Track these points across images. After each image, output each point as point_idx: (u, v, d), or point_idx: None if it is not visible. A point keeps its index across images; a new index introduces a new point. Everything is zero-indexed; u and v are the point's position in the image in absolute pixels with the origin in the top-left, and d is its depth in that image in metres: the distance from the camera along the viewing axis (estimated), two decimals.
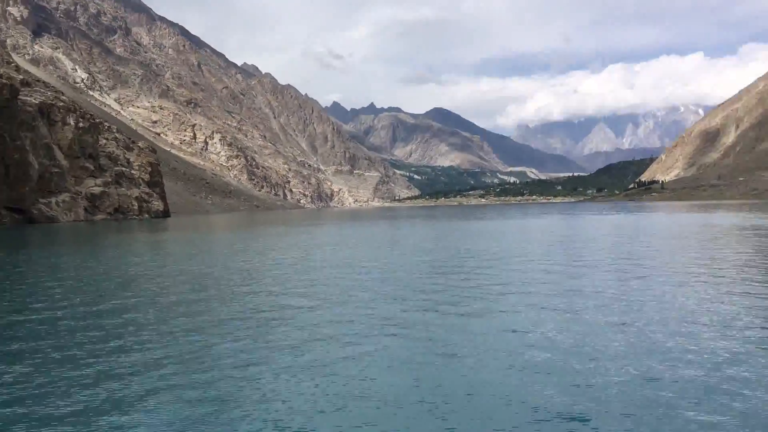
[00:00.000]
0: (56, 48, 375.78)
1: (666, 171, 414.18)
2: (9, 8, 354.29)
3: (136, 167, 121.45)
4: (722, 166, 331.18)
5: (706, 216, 71.48)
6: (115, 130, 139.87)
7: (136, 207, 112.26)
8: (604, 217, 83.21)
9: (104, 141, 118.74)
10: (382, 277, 20.64)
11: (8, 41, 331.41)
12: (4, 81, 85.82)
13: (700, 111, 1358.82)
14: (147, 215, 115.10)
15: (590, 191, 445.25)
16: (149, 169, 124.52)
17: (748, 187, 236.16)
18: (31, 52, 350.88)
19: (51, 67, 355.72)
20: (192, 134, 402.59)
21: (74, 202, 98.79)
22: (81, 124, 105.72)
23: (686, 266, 21.98)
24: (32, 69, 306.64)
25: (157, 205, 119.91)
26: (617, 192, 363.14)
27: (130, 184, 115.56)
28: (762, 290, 16.17)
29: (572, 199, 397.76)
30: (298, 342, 11.45)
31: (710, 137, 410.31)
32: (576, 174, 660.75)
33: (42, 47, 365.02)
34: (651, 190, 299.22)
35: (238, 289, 18.34)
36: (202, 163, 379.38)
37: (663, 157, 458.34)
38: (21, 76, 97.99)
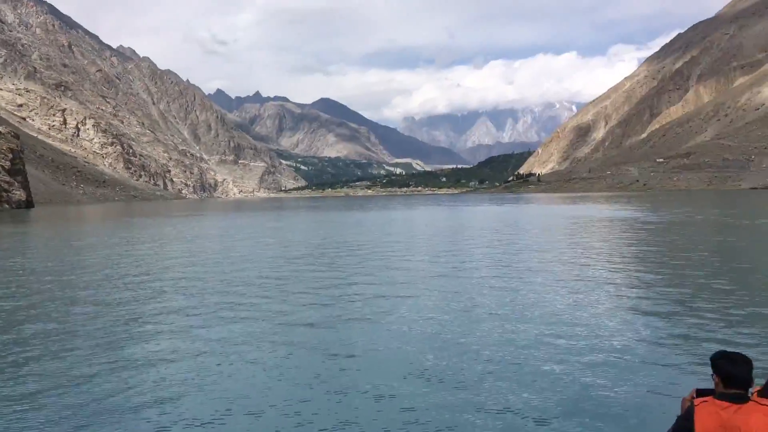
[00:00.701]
0: None
1: (542, 164, 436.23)
2: None
3: None
4: (592, 160, 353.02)
5: (572, 208, 75.46)
6: None
7: None
8: (483, 208, 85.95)
9: None
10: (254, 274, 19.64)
11: None
12: None
13: (574, 107, 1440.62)
14: (7, 205, 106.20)
15: (473, 183, 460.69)
16: (10, 155, 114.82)
17: (614, 180, 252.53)
18: None
19: None
20: (62, 119, 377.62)
21: None
22: None
23: (543, 257, 22.67)
24: None
25: (18, 194, 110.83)
26: (498, 184, 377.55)
27: None
28: (604, 274, 16.84)
29: (456, 191, 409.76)
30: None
31: (582, 133, 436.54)
32: (459, 166, 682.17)
33: None
34: (528, 182, 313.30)
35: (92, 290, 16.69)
36: (73, 150, 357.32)
37: (539, 151, 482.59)
38: None
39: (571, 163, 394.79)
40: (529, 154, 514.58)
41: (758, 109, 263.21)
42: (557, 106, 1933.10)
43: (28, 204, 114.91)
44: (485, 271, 18.06)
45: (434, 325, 11.18)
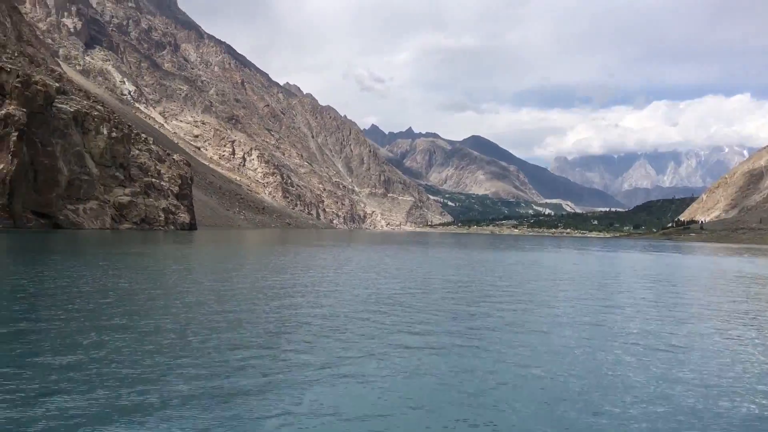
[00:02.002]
0: (106, 60, 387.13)
1: (706, 211, 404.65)
2: (63, 20, 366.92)
3: (166, 179, 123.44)
4: (764, 210, 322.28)
5: (743, 261, 69.23)
6: (151, 142, 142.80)
7: (162, 218, 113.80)
8: (637, 255, 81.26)
9: (137, 152, 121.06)
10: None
11: (61, 51, 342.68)
12: (39, 88, 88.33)
13: (745, 152, 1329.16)
14: (173, 227, 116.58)
15: (627, 227, 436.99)
16: (179, 181, 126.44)
17: None
18: (82, 63, 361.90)
19: (100, 79, 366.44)
20: (231, 150, 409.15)
21: (101, 210, 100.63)
22: (114, 134, 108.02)
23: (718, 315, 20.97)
24: (82, 80, 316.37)
25: (183, 217, 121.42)
26: (654, 230, 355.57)
27: (158, 195, 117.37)
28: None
29: (608, 235, 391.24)
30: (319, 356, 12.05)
31: (754, 179, 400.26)
32: (613, 209, 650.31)
33: (93, 59, 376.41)
34: (689, 230, 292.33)
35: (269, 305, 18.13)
36: (238, 178, 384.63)
37: (704, 197, 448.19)
38: (57, 84, 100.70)
39: (740, 211, 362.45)
40: (692, 199, 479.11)
41: None
42: (726, 150, 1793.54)
43: (191, 226, 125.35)
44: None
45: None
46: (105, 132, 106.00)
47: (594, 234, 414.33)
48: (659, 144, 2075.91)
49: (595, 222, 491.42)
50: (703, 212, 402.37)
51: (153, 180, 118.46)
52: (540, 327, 16.44)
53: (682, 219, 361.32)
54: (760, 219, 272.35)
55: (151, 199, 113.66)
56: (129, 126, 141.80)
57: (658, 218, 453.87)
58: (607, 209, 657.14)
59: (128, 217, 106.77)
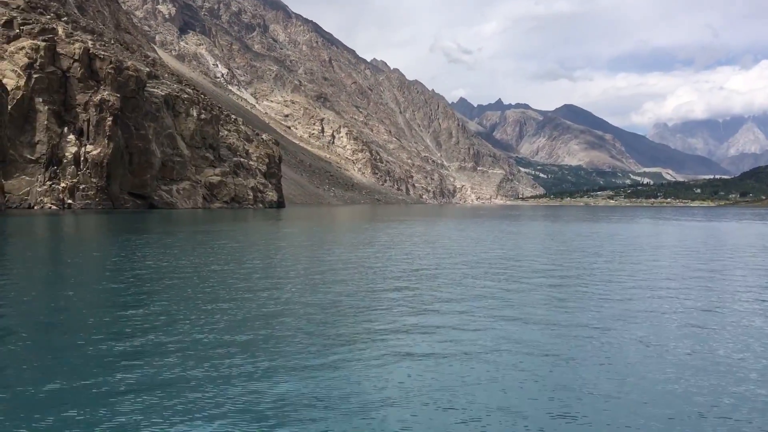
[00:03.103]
0: (200, 44, 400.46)
1: None
2: (158, 6, 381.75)
3: (255, 158, 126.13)
4: None
5: None
6: (240, 123, 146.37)
7: (251, 197, 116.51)
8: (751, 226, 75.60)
9: (225, 132, 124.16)
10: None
11: (157, 37, 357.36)
12: (131, 73, 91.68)
13: None
14: (261, 205, 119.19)
15: (733, 195, 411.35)
16: (266, 160, 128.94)
17: None
18: (177, 48, 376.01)
19: (194, 63, 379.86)
20: (320, 128, 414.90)
21: (193, 189, 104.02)
22: (203, 116, 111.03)
23: None
24: (177, 65, 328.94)
25: (271, 195, 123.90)
26: (764, 197, 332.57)
27: (247, 174, 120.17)
28: None
29: (712, 204, 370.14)
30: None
31: None
32: (718, 176, 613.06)
33: (187, 44, 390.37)
34: None
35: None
36: (328, 156, 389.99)
37: None
38: (148, 69, 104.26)
39: None
40: None
41: None
42: None
43: (279, 204, 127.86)
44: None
45: None
46: (194, 114, 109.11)
47: (697, 203, 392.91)
48: None
49: (698, 190, 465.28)
50: None
51: (242, 160, 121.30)
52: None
53: None
54: None
55: (240, 179, 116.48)
56: (219, 107, 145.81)
57: None
58: (711, 176, 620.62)
59: (219, 196, 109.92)
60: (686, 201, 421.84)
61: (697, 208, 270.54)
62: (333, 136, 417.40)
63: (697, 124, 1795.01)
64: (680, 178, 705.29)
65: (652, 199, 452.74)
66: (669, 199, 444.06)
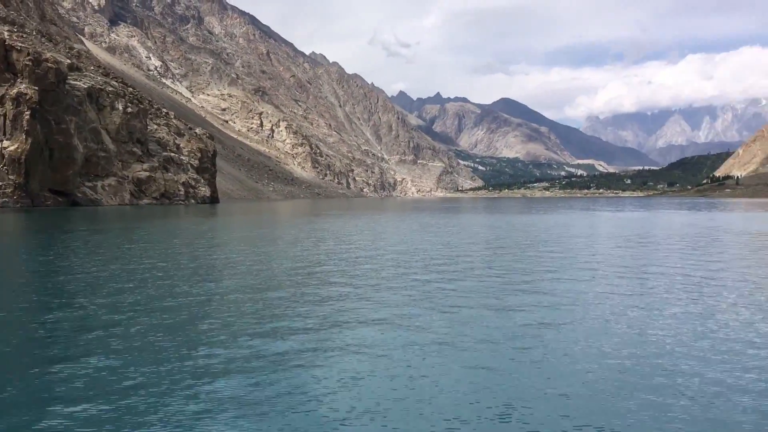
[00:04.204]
0: (131, 36, 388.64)
1: (743, 166, 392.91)
2: None
3: (186, 153, 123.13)
4: None
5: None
6: (172, 117, 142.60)
7: (182, 192, 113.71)
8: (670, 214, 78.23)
9: (155, 126, 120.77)
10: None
11: (86, 29, 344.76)
12: (50, 65, 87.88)
13: None
14: (193, 201, 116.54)
15: (661, 186, 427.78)
16: (199, 155, 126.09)
17: None
18: (107, 40, 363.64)
19: (126, 55, 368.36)
20: (259, 122, 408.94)
21: (120, 186, 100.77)
22: (130, 109, 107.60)
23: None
24: (108, 57, 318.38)
25: (204, 190, 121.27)
26: (689, 187, 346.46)
27: (177, 169, 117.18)
28: None
29: (641, 194, 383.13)
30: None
31: None
32: (647, 167, 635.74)
33: (118, 36, 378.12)
34: (725, 185, 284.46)
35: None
36: (267, 150, 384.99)
37: (740, 151, 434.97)
38: (69, 61, 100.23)
39: None
40: (728, 155, 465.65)
41: None
42: (763, 102, 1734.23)
43: (213, 200, 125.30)
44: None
45: None
46: (120, 107, 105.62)
47: (627, 193, 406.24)
48: (694, 99, 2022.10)
49: (628, 181, 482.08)
50: (739, 167, 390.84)
51: (172, 154, 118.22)
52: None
53: (717, 175, 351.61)
54: None
55: (170, 174, 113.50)
56: (148, 101, 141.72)
57: (693, 175, 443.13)
58: (641, 168, 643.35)
59: (147, 192, 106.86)
60: (617, 192, 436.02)
61: (629, 198, 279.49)
62: (272, 130, 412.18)
63: (627, 117, 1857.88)
64: (612, 170, 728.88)
65: (586, 190, 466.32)
66: (601, 190, 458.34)
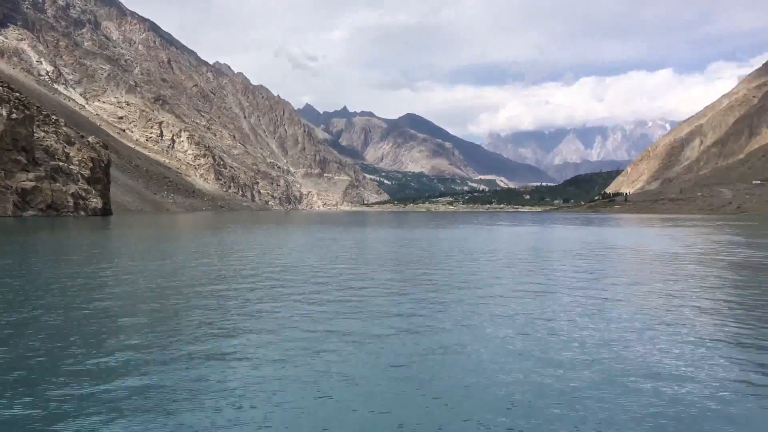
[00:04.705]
0: (21, 39, 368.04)
1: (631, 183, 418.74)
2: None
3: (76, 162, 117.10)
4: (684, 181, 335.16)
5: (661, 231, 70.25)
6: (62, 124, 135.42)
7: (71, 204, 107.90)
8: (548, 228, 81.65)
9: (42, 134, 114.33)
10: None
11: None
12: None
13: (667, 126, 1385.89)
14: (84, 212, 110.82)
15: (557, 201, 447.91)
16: (90, 164, 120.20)
17: (705, 202, 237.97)
18: None
19: (15, 59, 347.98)
20: (159, 131, 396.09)
21: (2, 196, 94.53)
22: (15, 115, 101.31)
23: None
24: None
25: (95, 202, 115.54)
26: (582, 203, 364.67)
27: (66, 179, 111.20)
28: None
29: (539, 209, 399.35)
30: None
31: (674, 152, 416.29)
32: (544, 184, 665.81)
33: (6, 38, 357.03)
34: (614, 202, 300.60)
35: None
36: (167, 161, 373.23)
37: (629, 169, 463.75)
38: None
39: (662, 183, 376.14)
40: (618, 173, 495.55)
41: None
42: (650, 124, 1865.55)
43: (105, 212, 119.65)
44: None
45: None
46: (4, 113, 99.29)
47: (526, 208, 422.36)
48: (587, 119, 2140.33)
49: (527, 197, 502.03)
50: (628, 184, 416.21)
51: (61, 164, 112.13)
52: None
53: (608, 191, 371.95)
54: (680, 190, 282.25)
55: (58, 184, 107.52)
56: (37, 107, 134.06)
57: (587, 191, 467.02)
58: (539, 184, 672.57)
59: (33, 203, 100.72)
60: (517, 206, 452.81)
61: (527, 213, 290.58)
62: (173, 141, 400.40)
63: (527, 135, 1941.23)
64: (512, 185, 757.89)
65: (488, 205, 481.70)
66: (502, 205, 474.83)
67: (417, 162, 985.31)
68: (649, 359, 10.41)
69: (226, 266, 25.41)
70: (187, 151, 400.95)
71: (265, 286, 18.94)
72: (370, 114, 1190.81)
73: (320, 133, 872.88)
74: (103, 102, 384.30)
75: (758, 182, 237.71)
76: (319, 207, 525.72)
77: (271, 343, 11.30)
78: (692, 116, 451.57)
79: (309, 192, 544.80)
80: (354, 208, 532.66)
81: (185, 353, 10.53)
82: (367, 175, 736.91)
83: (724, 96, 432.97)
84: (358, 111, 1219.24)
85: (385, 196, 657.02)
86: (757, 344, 11.50)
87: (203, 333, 12.08)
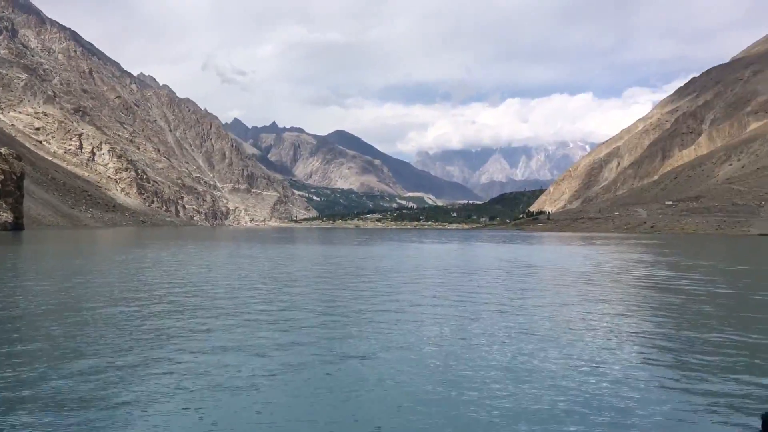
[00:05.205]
0: None
1: (553, 202, 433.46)
2: None
3: None
4: (603, 200, 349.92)
5: (571, 250, 73.48)
6: None
7: None
8: (469, 246, 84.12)
9: None
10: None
11: None
12: None
13: (587, 147, 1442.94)
14: None
15: (483, 219, 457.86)
16: (1, 177, 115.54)
17: (622, 221, 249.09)
18: None
19: None
20: (78, 144, 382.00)
21: None
22: None
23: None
24: None
25: (5, 216, 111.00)
26: (508, 221, 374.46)
27: None
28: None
29: (466, 226, 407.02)
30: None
31: (594, 172, 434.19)
32: (471, 202, 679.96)
33: None
34: (538, 220, 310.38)
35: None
36: (87, 174, 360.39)
37: (551, 189, 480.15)
38: None
39: (583, 202, 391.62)
40: (541, 192, 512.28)
41: None
42: (571, 145, 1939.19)
43: (17, 226, 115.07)
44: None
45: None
46: None
47: (454, 226, 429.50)
48: (512, 139, 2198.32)
49: (455, 214, 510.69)
50: (550, 203, 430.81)
51: None
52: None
53: (532, 210, 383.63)
54: (599, 209, 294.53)
55: None
56: None
57: (512, 209, 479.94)
58: (466, 202, 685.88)
59: None
60: (444, 224, 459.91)
61: (454, 231, 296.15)
62: (93, 153, 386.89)
63: (454, 154, 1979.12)
64: (440, 203, 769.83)
65: (416, 222, 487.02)
66: (430, 222, 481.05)
67: (346, 179, 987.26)
68: (510, 364, 11.82)
69: (123, 285, 25.65)
70: (108, 164, 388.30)
71: (155, 304, 19.44)
72: (300, 130, 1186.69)
73: (249, 148, 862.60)
74: (19, 112, 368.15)
75: (670, 203, 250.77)
76: (246, 223, 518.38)
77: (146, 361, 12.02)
78: (610, 138, 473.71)
79: (236, 207, 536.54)
80: (282, 224, 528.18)
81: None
82: (296, 191, 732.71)
83: (639, 120, 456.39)
84: (288, 126, 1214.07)
85: (314, 213, 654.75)
86: (629, 358, 13.11)
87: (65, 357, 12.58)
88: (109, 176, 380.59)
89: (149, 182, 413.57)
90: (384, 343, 13.48)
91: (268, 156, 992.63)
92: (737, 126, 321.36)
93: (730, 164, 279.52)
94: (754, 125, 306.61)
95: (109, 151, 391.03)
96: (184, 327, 15.27)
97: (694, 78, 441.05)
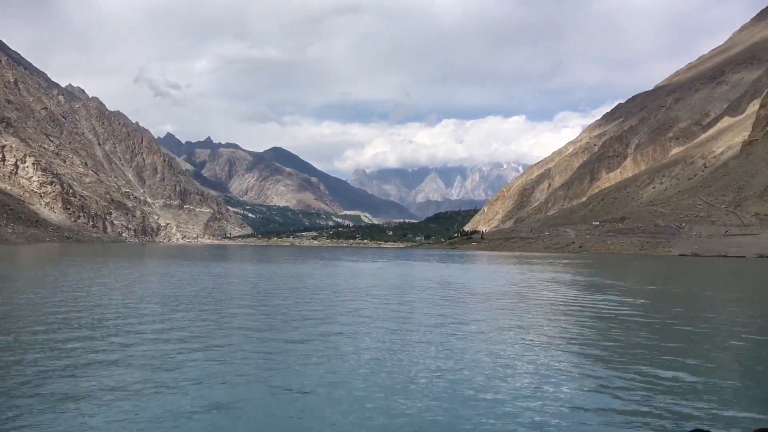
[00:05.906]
0: None
1: (487, 222, 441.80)
2: None
3: None
4: (534, 220, 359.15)
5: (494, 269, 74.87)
6: None
7: None
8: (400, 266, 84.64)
9: None
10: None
11: None
12: None
13: (520, 168, 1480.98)
14: None
15: (419, 238, 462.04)
16: None
17: (552, 241, 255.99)
18: None
19: None
20: (1, 156, 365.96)
21: None
22: None
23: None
24: None
25: None
26: (443, 240, 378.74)
27: None
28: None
29: (401, 245, 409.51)
30: None
31: (526, 193, 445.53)
32: (407, 220, 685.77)
33: None
34: (472, 239, 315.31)
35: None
36: (9, 188, 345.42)
37: (485, 209, 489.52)
38: None
39: (515, 222, 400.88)
40: (476, 211, 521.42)
41: (691, 179, 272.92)
42: (504, 166, 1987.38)
43: None
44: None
45: None
46: None
47: (389, 244, 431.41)
48: (448, 159, 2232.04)
49: (391, 233, 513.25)
50: (484, 223, 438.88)
51: None
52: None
53: (466, 229, 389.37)
54: (531, 229, 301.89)
55: None
56: None
57: (447, 228, 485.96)
58: (402, 220, 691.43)
59: None
60: (380, 242, 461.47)
61: (390, 249, 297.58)
62: (17, 166, 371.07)
63: (391, 173, 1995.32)
64: (376, 221, 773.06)
65: (352, 240, 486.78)
66: (366, 240, 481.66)
67: (283, 196, 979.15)
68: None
69: (22, 302, 24.74)
70: (32, 177, 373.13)
71: (50, 324, 18.84)
72: (236, 146, 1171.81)
73: (182, 164, 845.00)
74: None
75: (597, 223, 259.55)
76: (178, 240, 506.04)
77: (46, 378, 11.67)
78: (542, 160, 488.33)
79: (168, 224, 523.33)
80: (215, 242, 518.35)
81: None
82: (231, 208, 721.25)
83: (569, 143, 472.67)
84: (224, 142, 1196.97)
85: (249, 230, 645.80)
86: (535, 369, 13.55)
87: None
88: (32, 190, 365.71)
89: (75, 197, 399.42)
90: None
91: (203, 172, 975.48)
92: (660, 150, 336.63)
93: (653, 187, 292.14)
94: (675, 150, 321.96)
95: (33, 164, 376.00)
96: (56, 364, 14.91)
97: (620, 104, 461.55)
